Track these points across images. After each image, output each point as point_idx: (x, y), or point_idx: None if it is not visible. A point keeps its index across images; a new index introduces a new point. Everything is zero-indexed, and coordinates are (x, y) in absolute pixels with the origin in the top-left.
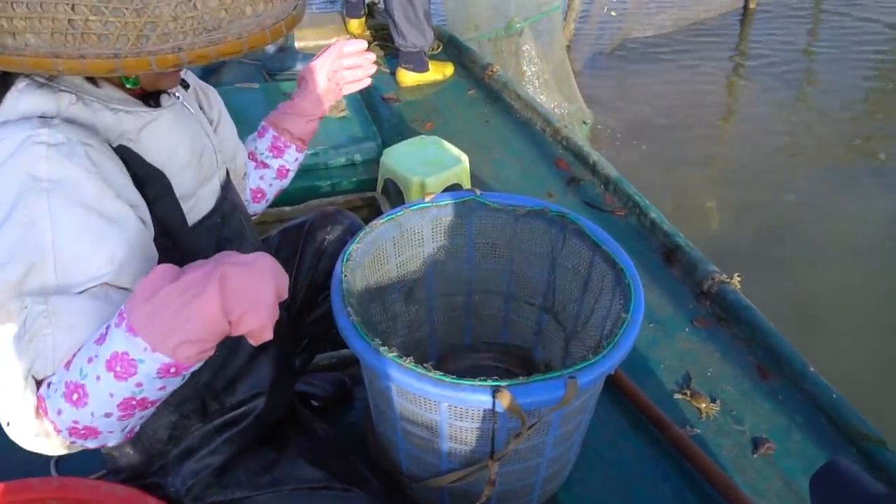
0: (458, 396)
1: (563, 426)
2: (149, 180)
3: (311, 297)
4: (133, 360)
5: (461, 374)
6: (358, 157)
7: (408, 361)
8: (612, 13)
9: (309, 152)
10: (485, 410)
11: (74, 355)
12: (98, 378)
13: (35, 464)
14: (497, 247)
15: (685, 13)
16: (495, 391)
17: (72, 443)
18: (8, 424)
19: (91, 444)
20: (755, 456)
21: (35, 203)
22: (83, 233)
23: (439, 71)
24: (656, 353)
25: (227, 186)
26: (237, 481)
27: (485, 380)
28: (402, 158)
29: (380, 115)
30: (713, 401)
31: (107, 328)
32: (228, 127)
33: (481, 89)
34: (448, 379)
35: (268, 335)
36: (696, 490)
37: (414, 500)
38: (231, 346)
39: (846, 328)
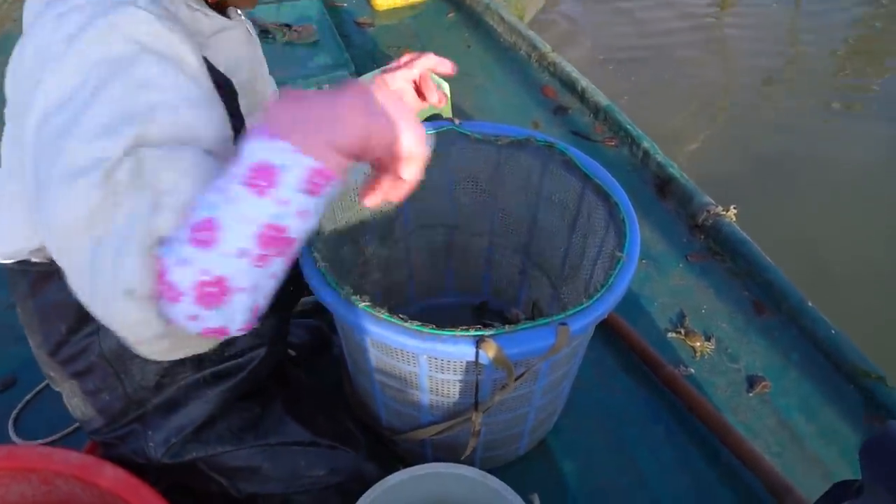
0: (438, 348)
1: (553, 374)
2: (218, 86)
3: None
4: (275, 166)
5: (443, 320)
6: (329, 87)
7: (382, 312)
8: None
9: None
10: (468, 362)
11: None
12: (235, 198)
13: None
14: (479, 181)
15: None
16: (479, 341)
17: (190, 319)
18: (132, 292)
19: (212, 322)
20: (750, 395)
21: (146, 66)
22: (195, 101)
23: None
24: (649, 291)
25: None
26: (219, 437)
27: (467, 329)
28: None
29: (353, 41)
30: (708, 339)
31: (237, 155)
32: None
33: (462, 12)
34: (427, 330)
35: (420, 169)
36: (689, 430)
37: (398, 454)
38: None
39: (844, 261)
